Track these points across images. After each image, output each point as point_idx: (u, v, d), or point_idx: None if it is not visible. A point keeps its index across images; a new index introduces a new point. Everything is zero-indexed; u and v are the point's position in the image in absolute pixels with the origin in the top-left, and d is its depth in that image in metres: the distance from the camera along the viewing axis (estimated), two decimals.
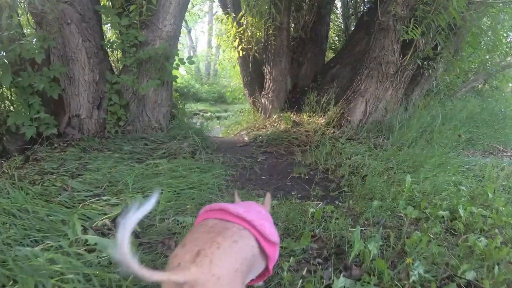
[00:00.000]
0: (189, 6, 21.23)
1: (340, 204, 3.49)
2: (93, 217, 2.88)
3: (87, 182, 3.75)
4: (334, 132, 6.00)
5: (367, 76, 6.03)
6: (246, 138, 6.85)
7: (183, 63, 5.61)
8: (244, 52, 8.09)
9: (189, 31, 24.69)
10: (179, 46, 25.89)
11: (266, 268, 1.48)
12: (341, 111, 6.22)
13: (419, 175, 3.91)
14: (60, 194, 3.42)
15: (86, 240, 2.38)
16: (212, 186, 3.69)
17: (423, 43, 5.89)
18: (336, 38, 10.04)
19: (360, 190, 3.62)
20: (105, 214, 2.90)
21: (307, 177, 4.39)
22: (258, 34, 7.79)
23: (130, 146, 5.25)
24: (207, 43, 24.73)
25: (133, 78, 5.30)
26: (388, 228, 2.84)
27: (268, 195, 1.93)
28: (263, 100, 7.80)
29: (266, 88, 7.74)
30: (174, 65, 5.59)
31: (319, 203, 3.43)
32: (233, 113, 13.84)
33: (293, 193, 3.86)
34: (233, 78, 15.34)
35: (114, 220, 2.57)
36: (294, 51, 8.02)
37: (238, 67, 9.29)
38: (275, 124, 7.03)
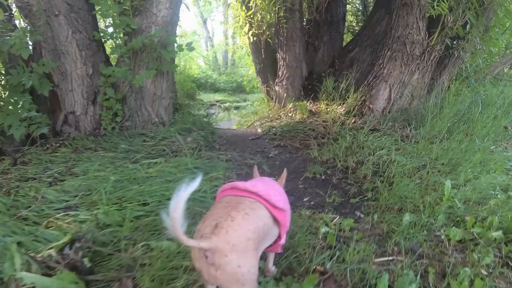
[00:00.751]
0: None
1: (361, 216, 2.76)
2: (52, 240, 2.28)
3: (64, 190, 3.16)
4: (354, 122, 5.25)
5: (390, 59, 5.23)
6: (259, 130, 6.18)
7: (181, 50, 4.94)
8: (255, 38, 7.35)
9: (204, 22, 23.99)
10: (196, 38, 25.26)
11: (279, 236, 1.60)
12: (362, 99, 5.44)
13: (458, 176, 3.12)
14: (30, 206, 2.85)
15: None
16: (206, 194, 3.01)
17: (451, 19, 5.02)
18: (354, 19, 9.10)
19: (387, 197, 2.86)
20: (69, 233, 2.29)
21: (323, 177, 3.67)
22: (268, 17, 7.02)
23: (127, 143, 4.68)
24: (223, 33, 23.96)
25: (125, 69, 4.68)
26: (426, 258, 2.09)
27: (285, 172, 2.01)
28: (277, 88, 7.07)
29: (280, 76, 7.00)
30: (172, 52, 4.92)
31: (335, 217, 2.69)
32: (251, 103, 13.10)
33: (304, 200, 3.15)
34: (250, 67, 14.62)
35: (61, 250, 1.94)
36: (308, 35, 7.24)
37: None
38: (290, 114, 6.31)
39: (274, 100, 7.24)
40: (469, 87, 6.73)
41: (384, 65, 5.27)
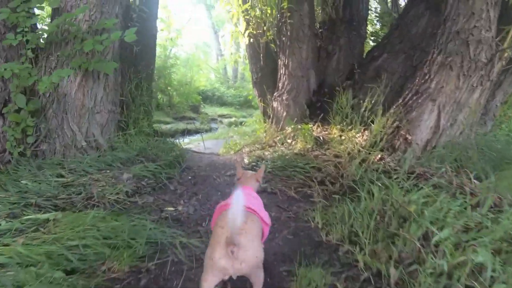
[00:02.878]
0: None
1: None
2: None
3: None
4: (382, 159, 3.30)
5: (442, 67, 3.27)
6: (245, 160, 4.27)
7: (117, 38, 3.08)
8: (252, 39, 5.49)
9: (215, 33, 22.21)
10: (207, 49, 23.60)
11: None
12: (395, 125, 3.48)
13: None
14: None
15: None
16: None
17: None
18: (378, 21, 6.96)
19: None
20: None
21: None
22: (269, 12, 5.15)
23: (32, 178, 2.92)
24: (234, 43, 21.96)
25: (25, 66, 2.88)
26: None
27: (263, 167, 2.13)
28: (274, 104, 5.11)
29: (280, 88, 5.06)
30: (105, 43, 3.08)
31: None
32: (256, 120, 11.28)
33: None
34: None
35: None
36: (321, 37, 5.33)
37: None
38: (289, 141, 4.35)
39: (270, 120, 5.27)
40: None
41: (432, 76, 3.31)
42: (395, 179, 2.77)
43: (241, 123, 14.17)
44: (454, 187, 2.67)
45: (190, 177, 3.70)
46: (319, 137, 3.99)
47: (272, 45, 5.52)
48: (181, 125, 13.26)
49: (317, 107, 4.81)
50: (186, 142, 8.68)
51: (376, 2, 7.76)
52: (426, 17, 4.40)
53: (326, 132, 4.18)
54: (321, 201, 2.85)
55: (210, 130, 13.77)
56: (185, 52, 18.27)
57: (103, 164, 3.24)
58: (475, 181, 2.77)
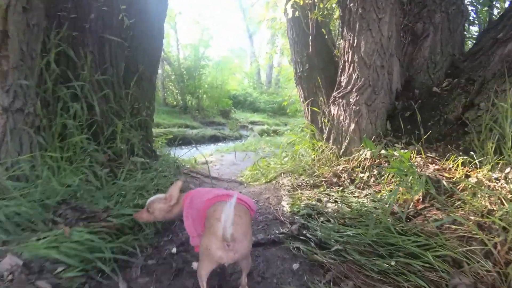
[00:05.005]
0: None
1: None
2: None
3: None
4: None
5: None
6: (284, 205, 2.37)
7: None
8: (298, 13, 3.56)
9: (250, 36, 20.47)
10: (241, 54, 22.02)
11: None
12: None
13: None
14: None
15: None
16: None
17: None
18: None
19: None
20: None
21: None
22: None
23: None
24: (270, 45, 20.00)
25: None
26: None
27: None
28: (334, 110, 3.09)
29: (344, 84, 3.05)
30: None
31: None
32: (291, 129, 9.36)
33: None
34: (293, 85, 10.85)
35: None
36: (406, 11, 3.35)
37: None
38: (363, 177, 2.36)
39: (326, 136, 3.28)
40: None
41: None
42: None
43: (274, 131, 12.38)
44: None
45: (174, 249, 1.83)
46: (432, 178, 1.97)
47: (323, 30, 3.58)
48: (209, 131, 11.71)
49: (406, 118, 2.78)
50: (208, 154, 6.92)
51: None
52: None
53: (438, 167, 2.16)
54: None
55: (240, 137, 12.15)
56: (217, 55, 16.80)
57: None
58: None
